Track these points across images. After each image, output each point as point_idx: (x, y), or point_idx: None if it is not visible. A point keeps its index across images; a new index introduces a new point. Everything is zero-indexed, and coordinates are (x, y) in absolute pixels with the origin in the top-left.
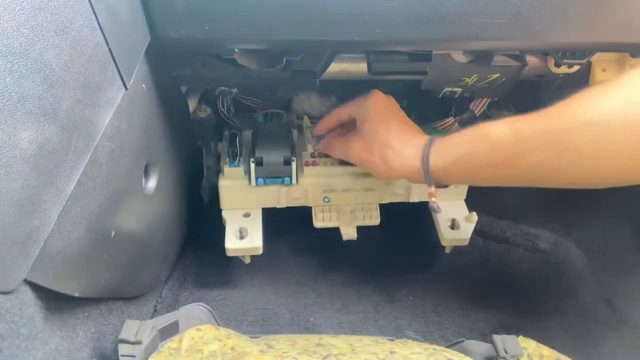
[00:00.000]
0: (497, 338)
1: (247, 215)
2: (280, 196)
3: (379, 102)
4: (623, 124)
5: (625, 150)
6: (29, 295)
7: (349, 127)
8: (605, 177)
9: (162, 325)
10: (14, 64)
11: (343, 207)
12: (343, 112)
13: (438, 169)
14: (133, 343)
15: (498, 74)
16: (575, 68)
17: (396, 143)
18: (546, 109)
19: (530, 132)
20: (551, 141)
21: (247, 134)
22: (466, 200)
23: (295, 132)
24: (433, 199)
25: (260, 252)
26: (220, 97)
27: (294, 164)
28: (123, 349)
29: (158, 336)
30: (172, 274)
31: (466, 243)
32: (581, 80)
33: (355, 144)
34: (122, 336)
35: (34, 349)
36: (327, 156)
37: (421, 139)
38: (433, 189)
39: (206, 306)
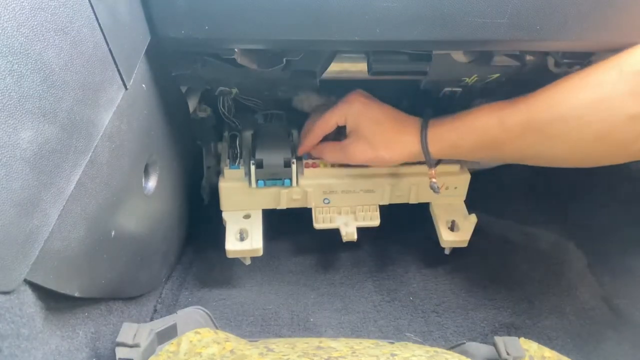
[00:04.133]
0: (498, 340)
1: (247, 216)
2: (281, 198)
3: (362, 102)
4: (595, 118)
5: (595, 138)
6: (29, 295)
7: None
8: (577, 159)
9: (160, 329)
10: (14, 64)
11: (343, 208)
12: (330, 122)
13: (435, 151)
14: (131, 346)
15: (498, 74)
16: (575, 68)
17: (395, 136)
18: (529, 98)
19: (513, 122)
20: (531, 131)
21: (247, 135)
22: (466, 201)
23: (295, 134)
24: (433, 179)
25: (261, 253)
26: (220, 97)
27: (294, 166)
28: (121, 352)
29: (156, 339)
30: (172, 274)
31: (466, 244)
32: None
33: (356, 147)
34: (119, 339)
35: (34, 349)
36: None
37: (411, 125)
38: (433, 170)
39: (204, 309)
